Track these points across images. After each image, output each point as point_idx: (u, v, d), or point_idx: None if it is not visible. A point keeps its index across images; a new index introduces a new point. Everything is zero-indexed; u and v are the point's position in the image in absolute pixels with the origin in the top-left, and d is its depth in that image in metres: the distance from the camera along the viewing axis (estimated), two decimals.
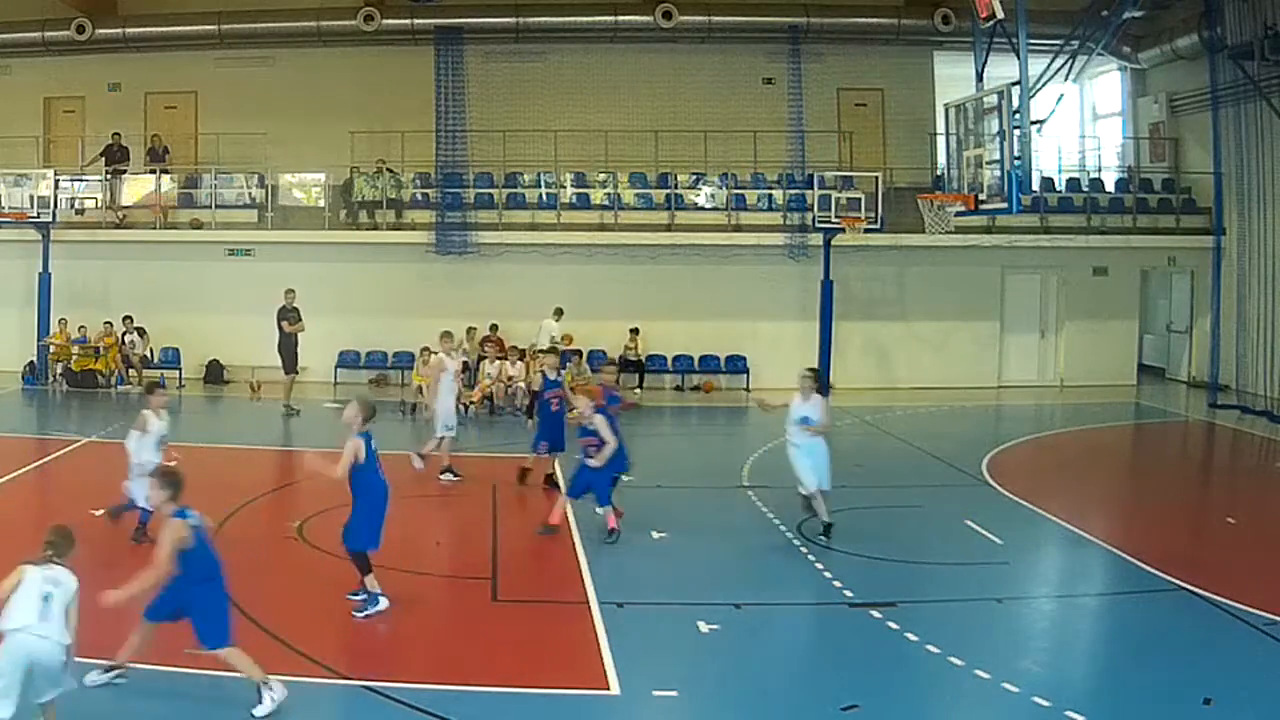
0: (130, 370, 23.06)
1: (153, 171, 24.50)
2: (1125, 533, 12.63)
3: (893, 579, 10.85)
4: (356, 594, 9.58)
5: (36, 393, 22.69)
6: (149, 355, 23.60)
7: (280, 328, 20.30)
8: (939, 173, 22.58)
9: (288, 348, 20.32)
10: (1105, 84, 28.37)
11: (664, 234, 23.85)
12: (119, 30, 24.83)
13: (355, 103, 24.56)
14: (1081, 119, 28.60)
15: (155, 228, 23.93)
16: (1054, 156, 25.64)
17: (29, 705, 6.50)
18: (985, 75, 17.59)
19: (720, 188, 24.78)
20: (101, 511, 11.41)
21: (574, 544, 11.78)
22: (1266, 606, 9.70)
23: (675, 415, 22.77)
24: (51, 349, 23.10)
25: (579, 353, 21.59)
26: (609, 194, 24.65)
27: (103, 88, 25.71)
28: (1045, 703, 7.77)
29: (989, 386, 24.56)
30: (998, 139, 16.15)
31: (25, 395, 22.51)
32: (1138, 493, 15.95)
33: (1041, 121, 16.72)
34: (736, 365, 24.31)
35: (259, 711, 7.32)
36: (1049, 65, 17.21)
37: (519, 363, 21.04)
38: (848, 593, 10.28)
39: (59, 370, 22.97)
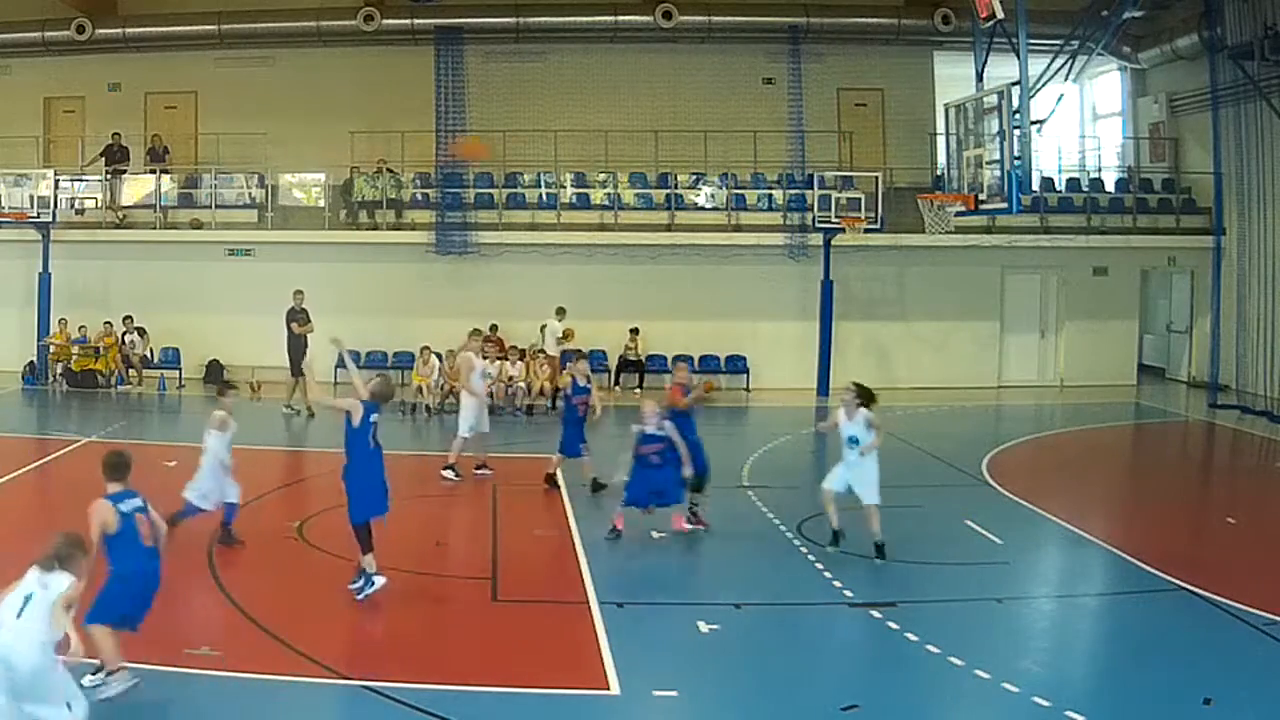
0: (130, 370, 23.04)
1: (153, 171, 24.48)
2: (1125, 533, 12.64)
3: (893, 579, 10.86)
4: (354, 581, 9.68)
5: (36, 393, 22.66)
6: (149, 355, 23.57)
7: (290, 329, 20.25)
8: (939, 173, 22.55)
9: (296, 349, 20.07)
10: (1105, 84, 28.34)
11: (664, 234, 23.82)
12: (119, 30, 24.79)
13: (355, 103, 24.52)
14: (1081, 119, 28.55)
15: (155, 228, 23.92)
16: (1054, 156, 25.59)
17: None
18: (985, 75, 17.60)
19: (720, 188, 24.73)
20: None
21: (574, 544, 11.79)
22: (1266, 606, 9.71)
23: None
24: (51, 349, 23.06)
25: (580, 352, 21.51)
26: (609, 194, 24.62)
27: (103, 88, 25.67)
28: (1045, 703, 7.78)
29: (989, 386, 24.52)
30: (998, 139, 16.15)
31: (25, 395, 22.49)
32: (1138, 493, 15.96)
33: (1041, 121, 16.72)
34: (736, 365, 24.28)
35: (99, 691, 7.28)
36: (1049, 65, 17.21)
37: (519, 363, 21.05)
38: (848, 593, 10.29)
39: (59, 370, 22.92)
